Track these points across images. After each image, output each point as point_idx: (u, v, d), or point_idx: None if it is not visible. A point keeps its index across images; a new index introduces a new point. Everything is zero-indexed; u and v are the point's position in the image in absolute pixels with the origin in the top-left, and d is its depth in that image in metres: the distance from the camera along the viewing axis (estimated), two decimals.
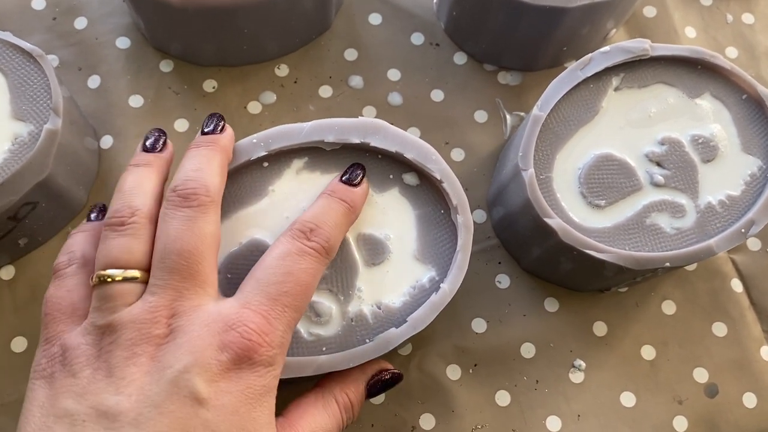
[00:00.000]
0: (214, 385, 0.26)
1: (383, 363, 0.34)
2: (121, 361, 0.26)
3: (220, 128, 0.33)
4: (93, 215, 0.34)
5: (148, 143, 0.32)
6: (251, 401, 0.27)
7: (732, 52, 0.47)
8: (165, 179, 0.32)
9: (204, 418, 0.26)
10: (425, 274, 0.34)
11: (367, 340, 0.32)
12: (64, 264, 0.31)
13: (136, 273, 0.28)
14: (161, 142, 0.33)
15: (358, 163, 0.34)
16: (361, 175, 0.34)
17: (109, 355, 0.27)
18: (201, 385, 0.26)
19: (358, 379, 0.33)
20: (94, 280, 0.29)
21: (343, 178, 0.33)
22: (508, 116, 0.44)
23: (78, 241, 0.32)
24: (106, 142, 0.42)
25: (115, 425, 0.25)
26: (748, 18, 0.48)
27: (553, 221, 0.34)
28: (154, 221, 0.30)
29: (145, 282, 0.29)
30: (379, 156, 0.35)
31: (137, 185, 0.30)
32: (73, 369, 0.27)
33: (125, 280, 0.28)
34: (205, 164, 0.31)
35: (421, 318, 0.33)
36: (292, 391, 0.37)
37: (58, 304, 0.29)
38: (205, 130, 0.33)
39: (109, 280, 0.28)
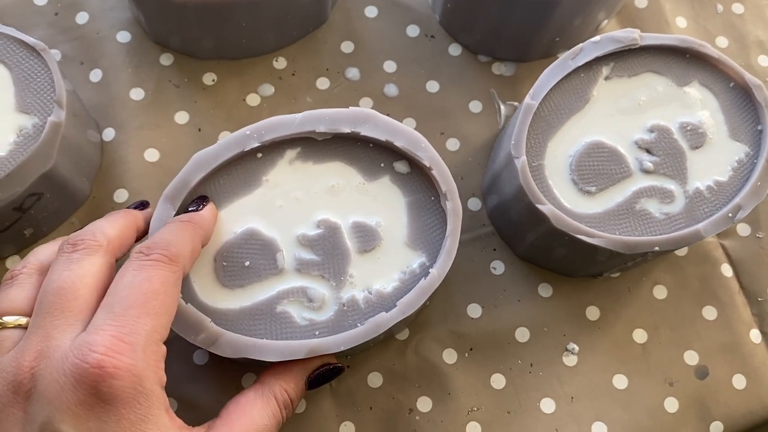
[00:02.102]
0: (84, 428, 0.25)
1: (324, 358, 0.34)
2: (2, 419, 0.26)
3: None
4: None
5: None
6: (128, 430, 0.25)
7: (722, 41, 0.47)
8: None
9: None
10: (416, 259, 0.35)
11: (359, 324, 0.33)
12: None
13: (22, 320, 0.28)
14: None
15: (203, 195, 0.34)
16: (203, 204, 0.34)
17: None
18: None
19: (298, 374, 0.32)
20: None
21: (188, 210, 0.33)
22: (502, 106, 0.44)
23: None
24: (108, 134, 0.42)
25: None
26: (737, 8, 0.48)
27: (546, 207, 0.35)
28: (44, 273, 0.30)
29: (24, 327, 0.28)
30: (370, 145, 0.36)
31: (42, 249, 0.31)
32: None
33: (15, 327, 0.28)
34: (101, 219, 0.31)
35: (410, 302, 0.33)
36: None
37: None
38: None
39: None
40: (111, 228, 0.31)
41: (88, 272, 0.28)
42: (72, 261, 0.28)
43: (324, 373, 0.33)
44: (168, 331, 0.28)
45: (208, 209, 0.33)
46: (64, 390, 0.25)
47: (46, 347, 0.26)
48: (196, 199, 0.34)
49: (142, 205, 0.35)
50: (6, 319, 0.28)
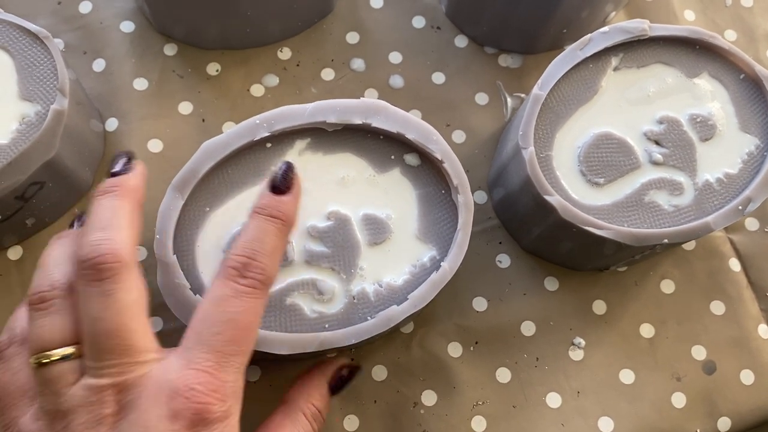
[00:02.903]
0: None
1: (339, 360, 0.35)
2: None
3: (127, 168, 0.31)
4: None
5: (77, 220, 0.33)
6: None
7: (731, 34, 0.47)
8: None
9: None
10: (426, 253, 0.35)
11: (369, 317, 0.33)
12: (5, 344, 0.29)
13: (69, 350, 0.27)
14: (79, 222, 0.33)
15: (289, 162, 0.32)
16: (290, 177, 0.32)
17: None
18: None
19: (320, 384, 0.33)
20: (32, 364, 0.28)
21: (272, 185, 0.31)
22: (508, 98, 0.44)
23: (20, 317, 0.30)
24: (111, 124, 0.42)
25: None
26: (746, 1, 0.48)
27: (553, 198, 0.35)
28: (75, 290, 0.28)
29: (81, 354, 0.27)
30: (381, 137, 0.36)
31: (58, 256, 0.29)
32: None
33: (62, 359, 0.27)
34: (110, 220, 0.28)
35: (421, 295, 0.33)
36: (294, 372, 0.37)
37: (7, 389, 0.28)
38: (112, 171, 0.31)
39: (45, 361, 0.27)
40: (124, 235, 0.28)
41: (129, 303, 0.27)
42: (106, 295, 0.27)
43: (344, 377, 0.34)
44: None
45: (296, 192, 0.32)
46: (161, 419, 0.25)
47: (126, 380, 0.26)
48: (283, 168, 0.32)
49: (128, 162, 0.31)
50: (58, 350, 0.27)
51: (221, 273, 0.29)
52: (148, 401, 0.26)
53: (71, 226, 0.34)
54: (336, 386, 0.34)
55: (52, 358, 0.27)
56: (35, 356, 0.27)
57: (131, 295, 0.27)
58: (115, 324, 0.27)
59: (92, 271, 0.27)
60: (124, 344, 0.26)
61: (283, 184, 0.31)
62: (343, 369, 0.34)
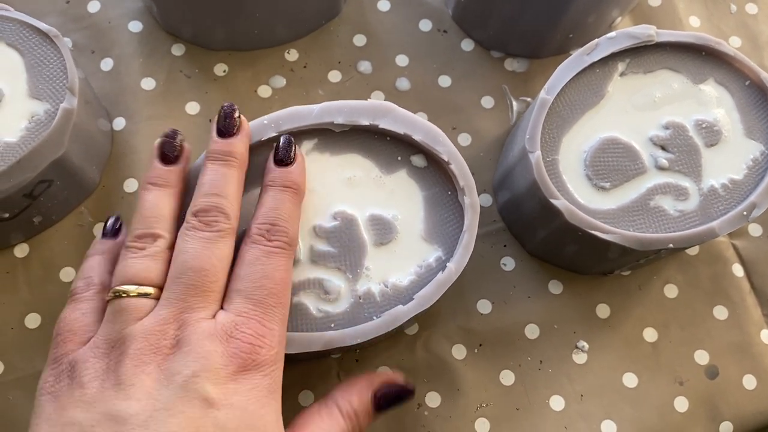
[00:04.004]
0: (223, 387, 0.27)
1: (393, 375, 0.34)
2: (129, 370, 0.27)
3: (235, 128, 0.33)
4: (108, 229, 0.34)
5: (166, 150, 0.33)
6: (259, 400, 0.28)
7: (735, 41, 0.47)
8: (183, 193, 0.33)
9: (214, 417, 0.26)
10: (432, 253, 0.35)
11: (375, 317, 0.33)
12: (81, 288, 0.31)
13: (149, 289, 0.29)
14: (177, 149, 0.33)
15: (287, 135, 0.34)
16: (292, 150, 0.33)
17: (117, 366, 0.27)
18: (210, 388, 0.27)
19: (362, 388, 0.33)
20: (109, 295, 0.29)
21: (277, 159, 0.33)
22: (514, 102, 0.44)
23: (95, 265, 0.32)
24: (119, 123, 0.42)
25: (125, 428, 0.25)
26: (751, 8, 0.48)
27: (559, 202, 0.35)
28: (173, 247, 0.31)
29: (158, 298, 0.29)
30: (388, 138, 0.36)
31: (157, 209, 0.31)
32: (81, 381, 0.27)
33: (140, 295, 0.29)
34: (223, 186, 0.31)
35: (427, 295, 0.33)
36: (299, 372, 0.37)
37: (71, 324, 0.30)
38: (220, 127, 0.33)
39: (124, 295, 0.29)
40: (236, 200, 0.31)
41: (224, 255, 0.30)
42: (208, 241, 0.30)
43: (390, 394, 0.33)
44: None
45: (300, 164, 0.33)
46: (214, 354, 0.27)
47: (189, 318, 0.28)
48: (282, 145, 0.33)
49: (235, 118, 0.33)
50: (144, 288, 0.29)
51: (248, 240, 0.31)
52: (204, 338, 0.28)
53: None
54: (381, 399, 0.33)
55: (131, 293, 0.29)
56: (116, 288, 0.29)
57: (227, 252, 0.30)
58: (208, 265, 0.29)
59: (202, 222, 0.30)
60: (206, 285, 0.29)
61: (287, 157, 0.33)
62: (393, 385, 0.33)
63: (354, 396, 0.32)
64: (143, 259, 0.30)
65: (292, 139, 0.34)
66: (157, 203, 0.31)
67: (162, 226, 0.31)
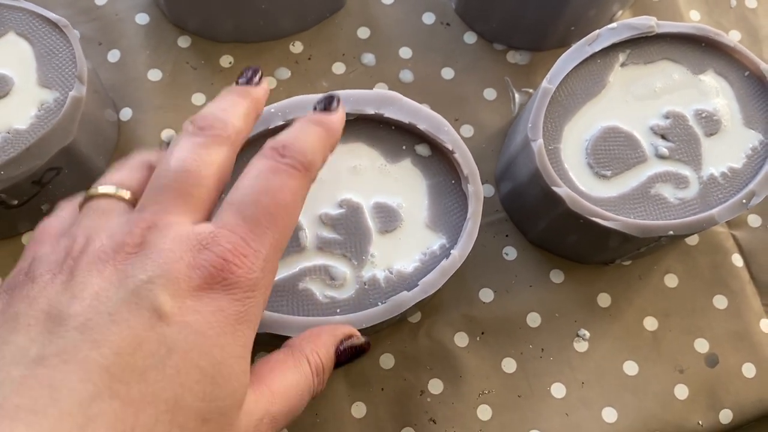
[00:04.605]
0: (180, 301, 0.23)
1: (351, 328, 0.31)
2: (84, 267, 0.24)
3: (256, 81, 0.30)
4: None
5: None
6: (222, 326, 0.24)
7: (735, 35, 0.48)
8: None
9: (161, 333, 0.23)
10: (436, 241, 0.35)
11: (380, 303, 0.34)
12: (66, 201, 0.29)
13: (126, 194, 0.26)
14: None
15: (334, 93, 0.31)
16: (335, 102, 0.30)
17: (74, 262, 0.24)
18: (164, 298, 0.23)
19: (327, 342, 0.30)
20: (84, 196, 0.27)
21: (317, 107, 0.30)
22: (516, 94, 0.45)
23: (80, 194, 0.29)
24: (126, 114, 0.43)
25: (60, 329, 0.22)
26: (751, 2, 0.49)
27: (561, 190, 0.35)
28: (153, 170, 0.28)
29: (134, 204, 0.26)
30: (393, 127, 0.36)
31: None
32: (34, 275, 0.24)
33: (114, 197, 0.26)
34: (229, 106, 0.28)
35: (431, 282, 0.34)
36: None
37: (48, 226, 0.27)
38: (240, 81, 0.30)
39: (97, 196, 0.26)
40: (238, 119, 0.28)
41: (214, 161, 0.26)
42: (198, 145, 0.26)
43: (353, 349, 0.31)
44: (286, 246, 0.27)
45: (341, 115, 0.30)
46: (178, 262, 0.24)
47: (163, 222, 0.25)
48: (326, 97, 0.30)
49: (257, 78, 0.31)
50: (116, 190, 0.26)
51: (259, 154, 0.27)
52: (171, 243, 0.24)
53: None
54: (343, 354, 0.30)
55: (105, 193, 0.26)
56: (89, 191, 0.27)
57: (219, 159, 0.27)
58: (193, 167, 0.26)
59: (196, 128, 0.27)
60: (186, 189, 0.26)
61: (329, 106, 0.30)
62: (354, 337, 0.31)
63: (321, 348, 0.29)
64: (122, 170, 0.28)
65: (338, 96, 0.31)
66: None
67: (156, 153, 0.29)
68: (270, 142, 0.28)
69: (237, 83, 0.30)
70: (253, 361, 0.26)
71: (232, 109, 0.28)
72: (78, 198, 0.28)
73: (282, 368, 0.28)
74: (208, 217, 0.26)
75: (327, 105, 0.30)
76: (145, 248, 0.24)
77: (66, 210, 0.28)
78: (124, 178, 0.27)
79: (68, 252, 0.25)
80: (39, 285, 0.24)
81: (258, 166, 0.27)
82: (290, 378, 0.28)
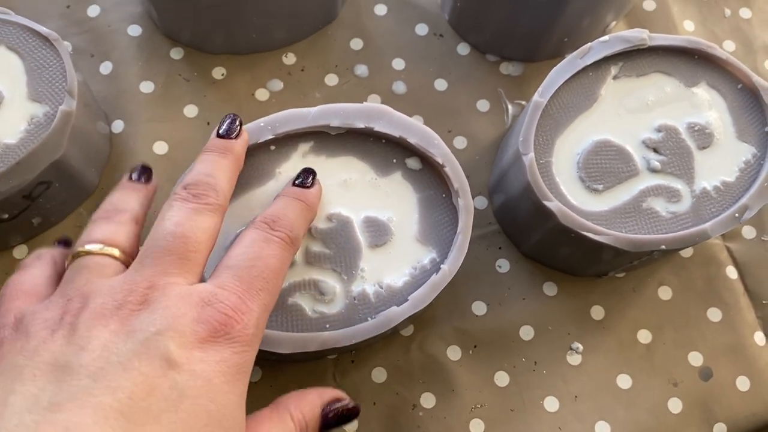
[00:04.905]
0: (188, 352, 0.25)
1: (340, 393, 0.32)
2: (86, 322, 0.25)
3: (235, 133, 0.32)
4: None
5: (133, 175, 0.32)
6: (225, 375, 0.25)
7: (729, 45, 0.48)
8: (150, 204, 0.32)
9: (173, 379, 0.24)
10: (426, 255, 0.35)
11: (369, 318, 0.33)
12: (30, 260, 0.30)
13: (115, 251, 0.28)
14: (145, 176, 0.32)
15: (310, 168, 0.34)
16: (311, 177, 0.34)
17: (74, 318, 0.25)
18: (174, 348, 0.24)
19: (313, 401, 0.31)
20: (69, 259, 0.27)
21: (296, 182, 0.34)
22: (509, 105, 0.45)
23: (47, 249, 0.31)
24: (117, 126, 0.43)
25: (70, 378, 0.23)
26: (745, 12, 0.49)
27: (553, 204, 0.35)
28: (141, 225, 0.30)
29: (125, 264, 0.28)
30: (383, 140, 0.36)
31: (126, 198, 0.30)
32: (27, 331, 0.25)
33: (105, 255, 0.27)
34: (217, 171, 0.30)
35: (421, 297, 0.34)
36: (294, 373, 0.38)
37: (20, 284, 0.28)
38: (221, 132, 0.32)
39: (85, 254, 0.27)
40: (225, 184, 0.30)
41: (208, 227, 0.28)
42: (193, 212, 0.28)
43: (340, 411, 0.31)
44: None
45: (317, 188, 0.34)
46: (184, 317, 0.25)
47: (163, 282, 0.26)
48: (304, 171, 0.34)
49: (236, 128, 0.33)
50: (109, 249, 0.28)
51: (250, 226, 0.30)
52: (175, 300, 0.26)
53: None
54: (330, 414, 0.31)
55: (94, 252, 0.27)
56: (76, 249, 0.27)
57: (212, 225, 0.28)
58: (190, 232, 0.27)
59: (191, 193, 0.29)
60: (185, 254, 0.27)
61: (306, 183, 0.34)
62: (342, 400, 0.31)
63: (306, 406, 0.30)
64: (109, 226, 0.28)
65: (314, 171, 0.34)
66: (125, 195, 0.31)
67: (131, 203, 0.30)
68: (261, 217, 0.30)
69: (218, 134, 0.32)
70: None
71: (220, 174, 0.30)
72: (45, 252, 0.30)
73: (268, 424, 0.29)
74: (201, 279, 0.28)
75: (304, 180, 0.34)
76: (149, 305, 0.25)
77: (36, 267, 0.29)
78: (112, 234, 0.28)
79: (65, 309, 0.25)
80: (36, 339, 0.24)
81: (251, 236, 0.29)
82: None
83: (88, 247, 0.27)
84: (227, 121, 0.33)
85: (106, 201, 0.30)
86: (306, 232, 0.32)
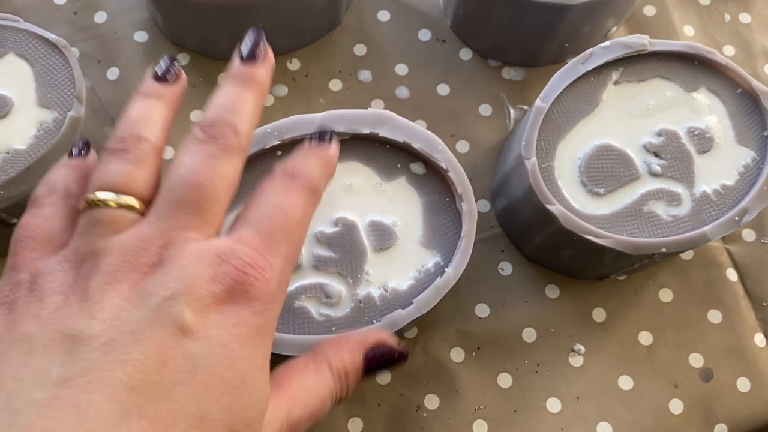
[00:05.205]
0: (203, 316, 0.23)
1: (386, 335, 0.31)
2: (98, 286, 0.23)
3: (261, 56, 0.29)
4: (76, 151, 0.29)
5: (159, 71, 0.29)
6: (244, 338, 0.24)
7: (729, 50, 0.48)
8: (175, 115, 0.29)
9: (187, 348, 0.23)
10: (431, 259, 0.36)
11: (375, 321, 0.34)
12: (43, 194, 0.27)
13: (132, 201, 0.25)
14: (173, 72, 0.29)
15: (324, 128, 0.33)
16: (329, 136, 0.31)
17: (86, 281, 0.24)
18: (187, 314, 0.23)
19: (354, 347, 0.29)
20: (82, 203, 0.25)
21: (312, 141, 0.30)
22: (511, 110, 0.45)
23: (60, 175, 0.28)
24: None
25: (81, 350, 0.22)
26: (745, 17, 0.49)
27: (555, 208, 0.36)
28: (161, 155, 0.27)
29: (142, 214, 0.26)
30: (388, 146, 0.37)
31: (146, 115, 0.27)
32: (42, 293, 0.24)
33: (120, 206, 0.25)
34: (239, 104, 0.27)
35: (426, 300, 0.34)
36: None
37: (32, 230, 0.26)
38: (244, 54, 0.29)
39: (100, 204, 0.25)
40: (247, 121, 0.27)
41: (228, 174, 0.26)
42: (211, 156, 0.26)
43: (383, 356, 0.30)
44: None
45: (336, 146, 0.31)
46: (199, 277, 0.24)
47: (179, 238, 0.24)
48: (320, 131, 0.31)
49: (261, 49, 0.29)
50: (126, 199, 0.25)
51: (270, 176, 0.28)
52: (191, 259, 0.24)
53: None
54: (373, 361, 0.29)
55: (109, 203, 0.25)
56: (90, 196, 0.25)
57: (232, 170, 0.26)
58: (207, 181, 0.25)
59: (208, 135, 0.26)
60: (201, 204, 0.25)
61: (324, 138, 0.31)
62: (386, 347, 0.30)
63: (346, 353, 0.29)
64: (125, 164, 0.26)
65: (333, 130, 0.32)
66: (146, 111, 0.27)
67: (149, 130, 0.27)
68: (280, 166, 0.28)
69: (240, 57, 0.29)
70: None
71: (242, 108, 0.27)
72: (59, 183, 0.27)
73: (301, 374, 0.28)
74: (220, 229, 0.26)
75: (321, 138, 0.30)
76: (163, 265, 0.24)
77: (49, 206, 0.27)
78: (129, 176, 0.26)
79: (77, 270, 0.24)
80: (50, 305, 0.23)
81: (271, 186, 0.27)
82: (309, 383, 0.28)
83: (103, 196, 0.25)
84: (251, 42, 0.29)
85: (126, 116, 0.27)
86: (325, 187, 0.30)
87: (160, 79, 0.28)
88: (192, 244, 0.25)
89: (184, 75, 0.30)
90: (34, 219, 0.26)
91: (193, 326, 0.23)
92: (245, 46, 0.29)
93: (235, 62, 0.29)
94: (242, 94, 0.28)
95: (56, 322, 0.23)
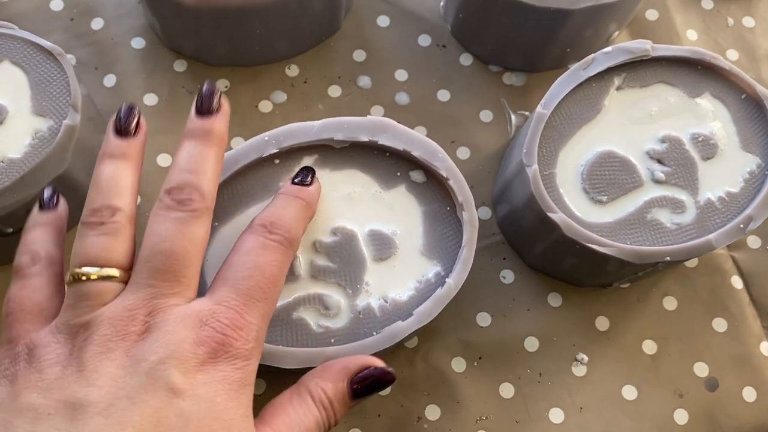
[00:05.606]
0: (191, 377, 0.26)
1: (371, 359, 0.31)
2: (93, 356, 0.26)
3: (215, 107, 0.30)
4: (47, 199, 0.31)
5: (120, 123, 0.30)
6: (228, 392, 0.26)
7: (733, 54, 0.47)
8: (141, 166, 0.30)
9: (178, 407, 0.25)
10: (431, 269, 0.35)
11: (375, 333, 0.33)
12: (26, 263, 0.29)
13: (114, 272, 0.27)
14: (134, 123, 0.30)
15: (309, 166, 0.35)
16: (310, 176, 0.33)
17: (81, 352, 0.26)
18: (177, 377, 0.25)
19: (337, 375, 0.30)
20: (68, 278, 0.27)
21: (295, 181, 0.33)
22: (512, 116, 0.45)
23: (38, 238, 0.30)
24: None
25: (84, 416, 0.24)
26: (748, 21, 0.48)
27: (557, 216, 0.35)
28: (134, 222, 0.29)
29: (124, 281, 0.28)
30: (387, 154, 0.36)
31: (115, 182, 0.29)
32: (40, 366, 0.26)
33: (102, 278, 0.27)
34: (200, 164, 0.29)
35: (426, 311, 0.34)
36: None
37: (22, 303, 0.28)
38: (198, 109, 0.30)
39: (84, 278, 0.27)
40: (212, 184, 0.29)
41: (198, 237, 0.28)
42: (181, 222, 0.28)
43: (368, 380, 0.30)
44: None
45: (317, 187, 0.34)
46: (184, 342, 0.26)
47: (162, 304, 0.27)
48: (303, 170, 0.34)
49: (215, 102, 0.30)
50: (107, 270, 0.27)
51: (248, 230, 0.30)
52: (175, 325, 0.26)
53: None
54: (358, 385, 0.30)
55: (92, 276, 0.27)
56: (75, 271, 0.27)
57: (201, 234, 0.28)
58: (180, 248, 0.27)
59: (176, 201, 0.28)
60: (178, 271, 0.27)
61: (305, 181, 0.33)
62: (371, 370, 0.30)
63: (328, 382, 0.30)
64: (102, 237, 0.28)
65: (313, 169, 0.34)
66: (113, 175, 0.29)
67: (120, 198, 0.28)
68: (257, 220, 0.30)
69: (196, 110, 0.30)
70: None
71: (204, 167, 0.29)
72: (41, 252, 0.29)
73: (285, 408, 0.29)
74: (198, 288, 0.29)
75: (303, 179, 0.33)
76: (150, 332, 0.26)
77: (35, 277, 0.29)
78: (107, 248, 0.28)
79: (71, 341, 0.26)
80: (50, 376, 0.25)
81: (248, 242, 0.29)
82: (293, 416, 0.29)
83: (86, 270, 0.27)
84: (205, 96, 0.30)
85: (96, 183, 0.29)
86: (305, 230, 0.32)
87: (123, 133, 0.30)
88: (174, 309, 0.27)
89: (144, 124, 0.31)
90: (23, 291, 0.29)
91: (182, 386, 0.25)
92: (199, 101, 0.30)
93: (192, 117, 0.30)
94: (203, 152, 0.29)
95: (57, 391, 0.25)
